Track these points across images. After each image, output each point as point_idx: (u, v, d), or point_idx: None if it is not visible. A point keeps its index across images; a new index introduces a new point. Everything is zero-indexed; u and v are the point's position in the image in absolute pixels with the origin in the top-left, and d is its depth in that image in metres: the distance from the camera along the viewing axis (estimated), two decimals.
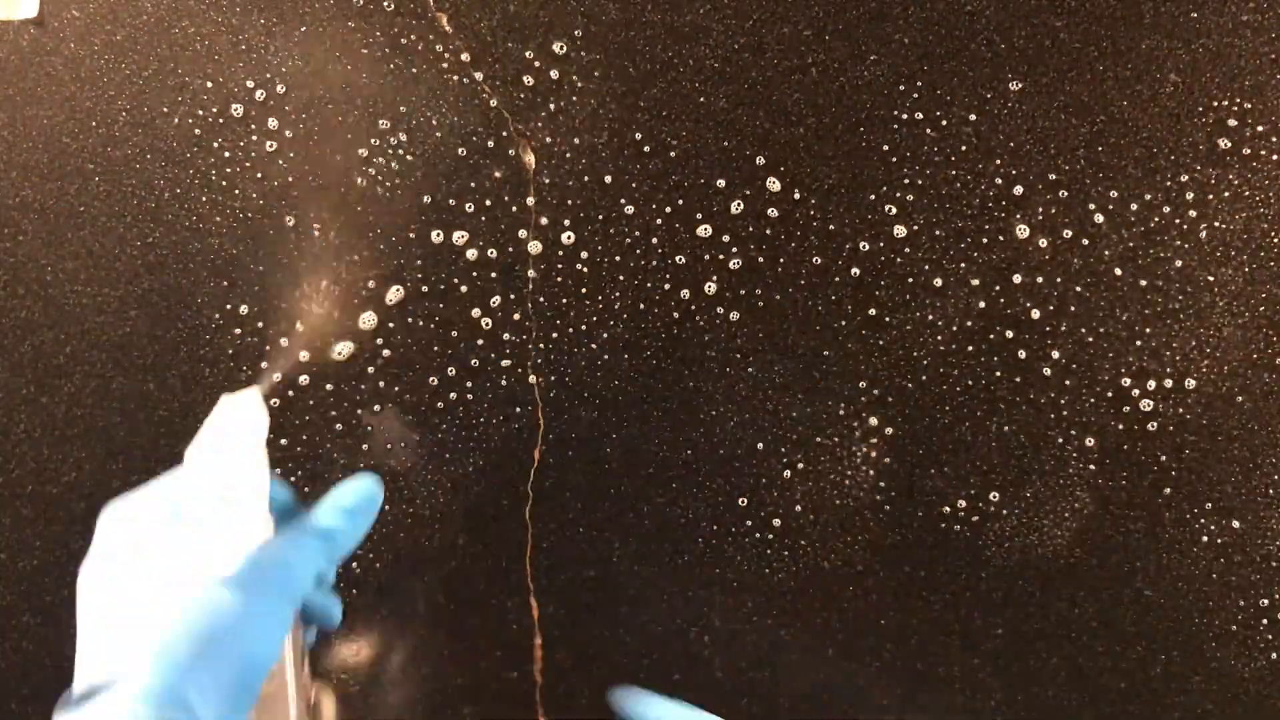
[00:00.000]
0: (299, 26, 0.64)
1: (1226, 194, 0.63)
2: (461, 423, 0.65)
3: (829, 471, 0.65)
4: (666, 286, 0.65)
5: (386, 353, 0.65)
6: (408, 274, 0.65)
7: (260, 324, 0.65)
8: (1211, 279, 0.63)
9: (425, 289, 0.65)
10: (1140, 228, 0.63)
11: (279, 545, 0.39)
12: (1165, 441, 0.64)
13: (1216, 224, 0.63)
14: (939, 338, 0.64)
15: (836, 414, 0.65)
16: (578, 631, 0.65)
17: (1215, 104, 0.63)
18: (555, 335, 0.65)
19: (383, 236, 0.65)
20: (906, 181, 0.64)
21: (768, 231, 0.64)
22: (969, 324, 0.64)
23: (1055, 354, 0.64)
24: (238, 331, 0.65)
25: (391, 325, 0.65)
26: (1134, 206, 0.63)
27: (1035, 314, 0.64)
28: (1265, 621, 0.64)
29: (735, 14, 0.64)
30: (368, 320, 0.65)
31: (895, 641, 0.65)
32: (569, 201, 0.65)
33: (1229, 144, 0.63)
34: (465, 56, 0.64)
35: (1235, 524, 0.64)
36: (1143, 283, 0.63)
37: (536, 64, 0.64)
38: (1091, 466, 0.64)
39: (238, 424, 0.44)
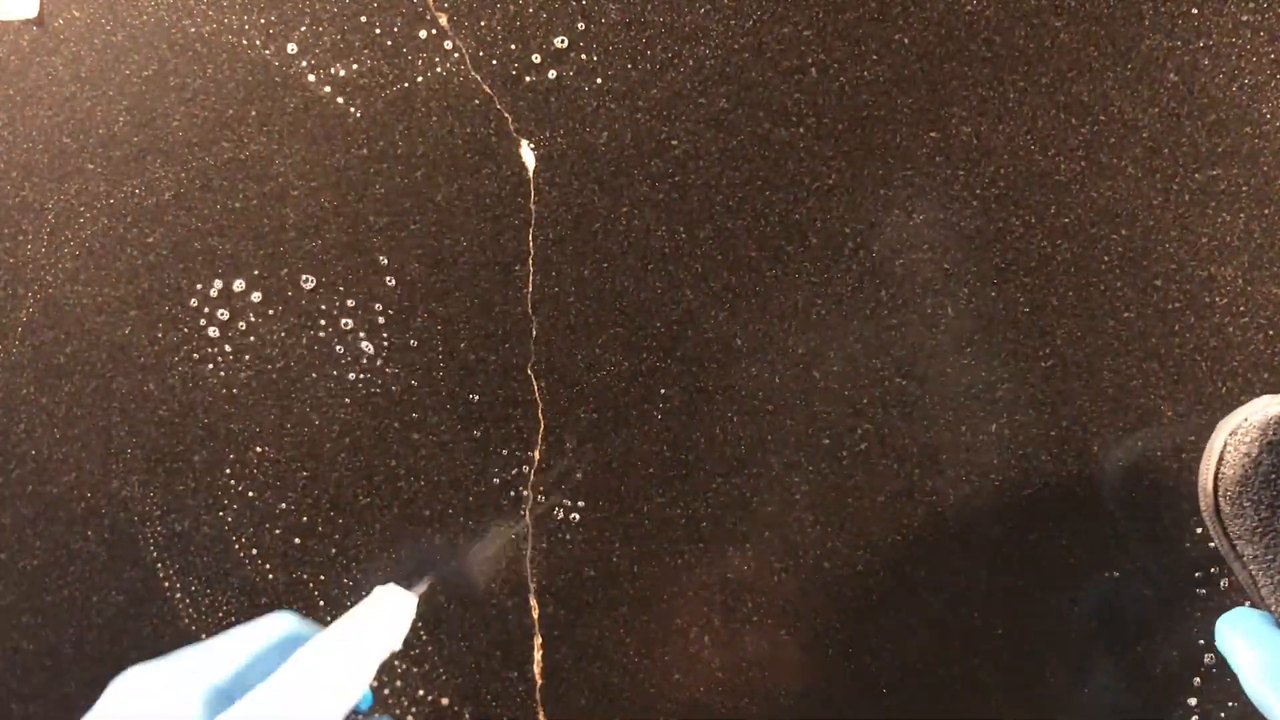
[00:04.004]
0: (299, 26, 0.64)
1: (1226, 194, 0.63)
2: (461, 423, 0.65)
3: (829, 471, 0.65)
4: (667, 286, 0.65)
5: (385, 353, 0.65)
6: (407, 273, 0.65)
7: (260, 325, 0.65)
8: (1211, 279, 0.63)
9: (424, 288, 0.65)
10: (1140, 227, 0.63)
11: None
12: (1165, 441, 0.64)
13: (1216, 224, 0.63)
14: (939, 338, 0.64)
15: (836, 414, 0.65)
16: (578, 631, 0.65)
17: (1215, 104, 0.63)
18: (555, 335, 0.65)
19: (383, 236, 0.65)
20: (906, 182, 0.64)
21: (767, 231, 0.64)
22: (969, 324, 0.64)
23: (1055, 354, 0.64)
24: (239, 332, 0.65)
25: (390, 325, 0.65)
26: (1134, 206, 0.63)
27: (1035, 314, 0.64)
28: None
29: (735, 14, 0.64)
30: (367, 319, 0.65)
31: (895, 641, 0.65)
32: (569, 201, 0.65)
33: (1229, 144, 0.63)
34: (465, 56, 0.64)
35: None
36: (1142, 283, 0.63)
37: (536, 63, 0.64)
38: (1091, 466, 0.64)
39: (381, 626, 0.39)
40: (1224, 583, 0.64)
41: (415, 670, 0.65)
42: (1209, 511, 0.52)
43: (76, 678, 0.66)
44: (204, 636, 0.65)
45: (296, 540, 0.65)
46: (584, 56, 0.64)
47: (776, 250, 0.64)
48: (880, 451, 0.65)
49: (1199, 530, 0.64)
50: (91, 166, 0.65)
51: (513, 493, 0.65)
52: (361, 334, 0.65)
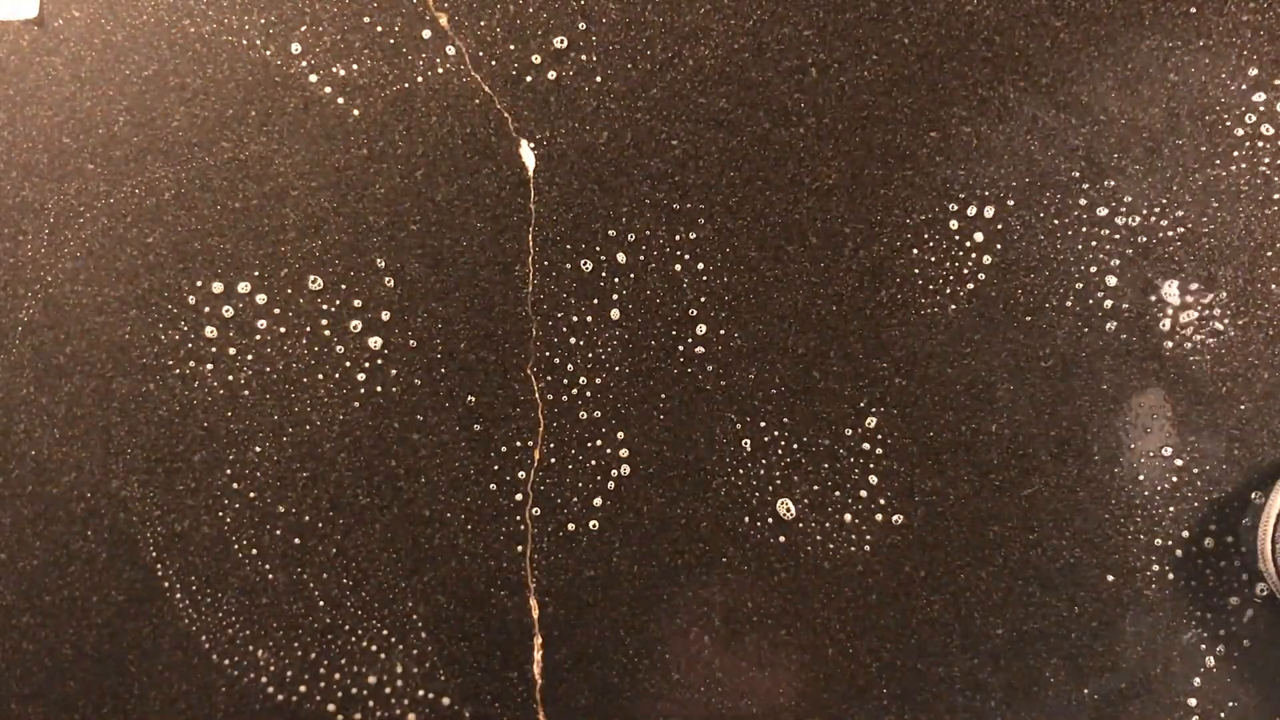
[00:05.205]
0: (299, 26, 0.64)
1: (1226, 194, 0.63)
2: (461, 423, 0.65)
3: (829, 472, 0.65)
4: (666, 285, 0.65)
5: (385, 353, 0.65)
6: (407, 273, 0.65)
7: (259, 325, 0.65)
8: (1211, 279, 0.63)
9: (424, 289, 0.65)
10: (1140, 227, 0.63)
11: None
12: (1165, 441, 0.64)
13: (1216, 223, 0.63)
14: (939, 338, 0.64)
15: (836, 414, 0.65)
16: (578, 631, 0.65)
17: (1215, 104, 0.63)
18: (555, 335, 0.65)
19: (383, 236, 0.65)
20: (906, 181, 0.64)
21: (767, 231, 0.64)
22: (969, 324, 0.64)
23: (1055, 354, 0.64)
24: (239, 331, 0.65)
25: (390, 325, 0.65)
26: (1134, 206, 0.63)
27: (1034, 315, 0.64)
28: (1259, 618, 0.64)
29: (735, 14, 0.64)
30: (366, 320, 0.65)
31: (895, 641, 0.65)
32: (569, 201, 0.65)
33: (1229, 144, 0.63)
34: (465, 56, 0.64)
35: (1244, 520, 0.64)
36: (1142, 283, 0.63)
37: (536, 64, 0.64)
38: (1091, 466, 0.64)
39: None
40: (1228, 594, 0.64)
41: (415, 670, 0.66)
42: (1270, 571, 0.58)
43: (76, 678, 0.66)
44: (204, 637, 0.65)
45: (296, 540, 0.65)
46: (584, 56, 0.64)
47: (776, 250, 0.64)
48: (880, 452, 0.65)
49: (1199, 530, 0.64)
50: (91, 166, 0.65)
51: (512, 492, 0.65)
52: (362, 334, 0.65)
